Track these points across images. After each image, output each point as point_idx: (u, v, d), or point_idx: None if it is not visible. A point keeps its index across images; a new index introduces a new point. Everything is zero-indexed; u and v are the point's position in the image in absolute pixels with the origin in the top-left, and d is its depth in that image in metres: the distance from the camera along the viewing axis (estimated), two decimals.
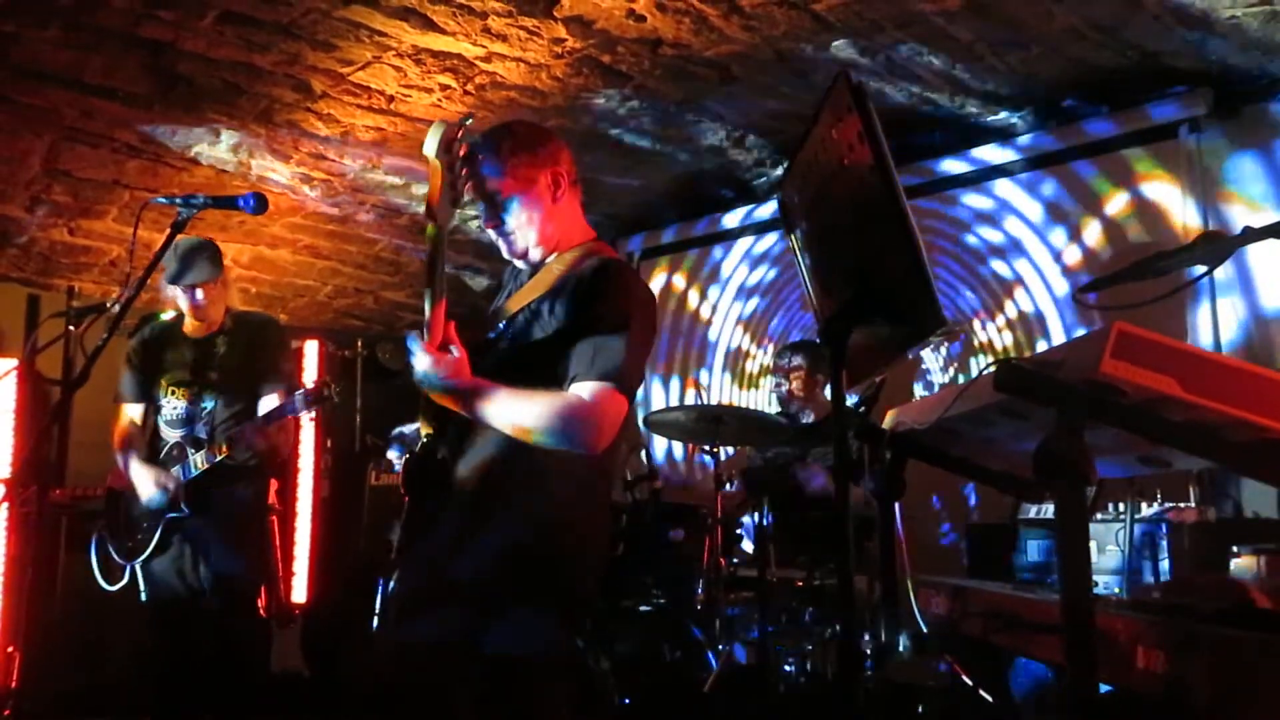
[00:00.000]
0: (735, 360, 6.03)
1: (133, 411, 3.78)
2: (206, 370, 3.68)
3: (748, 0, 3.84)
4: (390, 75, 4.32)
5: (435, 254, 2.07)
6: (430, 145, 2.05)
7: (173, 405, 3.68)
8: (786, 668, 3.85)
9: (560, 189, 2.26)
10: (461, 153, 2.09)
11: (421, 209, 5.64)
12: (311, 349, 6.10)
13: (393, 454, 2.40)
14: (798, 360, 4.50)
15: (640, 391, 2.36)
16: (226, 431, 3.58)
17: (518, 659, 2.09)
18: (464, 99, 4.49)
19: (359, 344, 6.18)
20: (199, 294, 3.63)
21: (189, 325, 3.74)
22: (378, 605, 4.60)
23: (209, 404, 3.66)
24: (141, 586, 3.64)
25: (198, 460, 3.54)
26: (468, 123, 2.08)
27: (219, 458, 3.51)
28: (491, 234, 2.29)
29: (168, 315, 3.93)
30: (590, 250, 2.28)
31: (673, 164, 5.48)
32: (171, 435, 3.66)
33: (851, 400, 3.09)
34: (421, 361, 2.07)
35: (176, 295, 3.67)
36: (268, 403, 3.66)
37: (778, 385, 4.59)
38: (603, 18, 3.94)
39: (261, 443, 3.55)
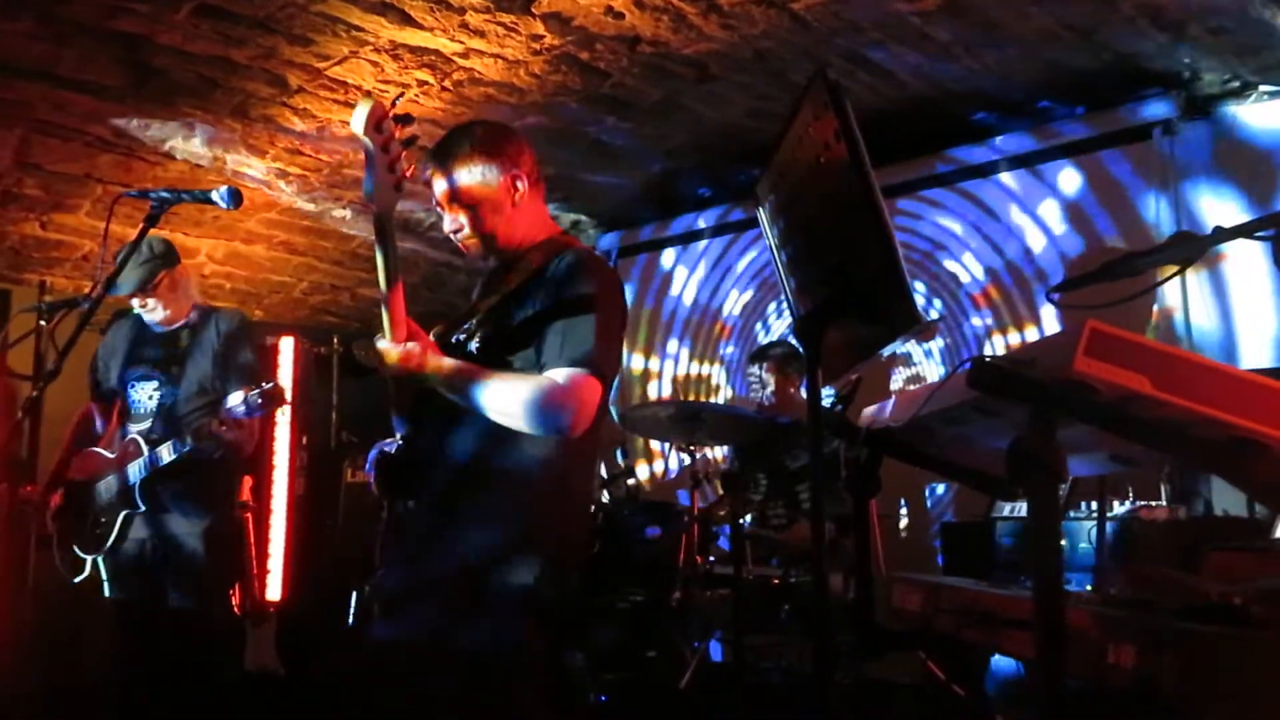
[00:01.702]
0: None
1: (95, 410, 3.77)
2: (170, 365, 3.64)
3: None
4: (367, 70, 4.30)
5: (382, 239, 1.99)
6: (358, 123, 1.89)
7: (136, 399, 3.65)
8: (762, 665, 3.87)
9: (520, 190, 2.26)
10: (396, 133, 1.95)
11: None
12: (287, 345, 6.05)
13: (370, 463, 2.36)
14: (769, 364, 4.51)
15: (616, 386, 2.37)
16: (190, 426, 3.54)
17: (491, 657, 2.09)
18: (441, 95, 4.47)
19: (335, 341, 6.14)
20: (140, 301, 3.61)
21: (150, 320, 3.72)
22: (353, 604, 4.58)
23: (172, 398, 3.63)
24: (105, 580, 3.61)
25: (160, 453, 3.50)
26: (399, 100, 2.04)
27: (178, 454, 3.46)
28: (454, 238, 2.29)
29: (134, 309, 3.89)
30: (554, 244, 2.29)
31: (650, 161, 5.49)
32: (134, 428, 3.63)
33: (828, 397, 3.10)
34: (390, 358, 2.07)
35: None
36: (235, 398, 3.62)
37: (750, 391, 4.60)
38: (581, 14, 3.93)
39: (227, 434, 3.46)
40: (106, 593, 3.62)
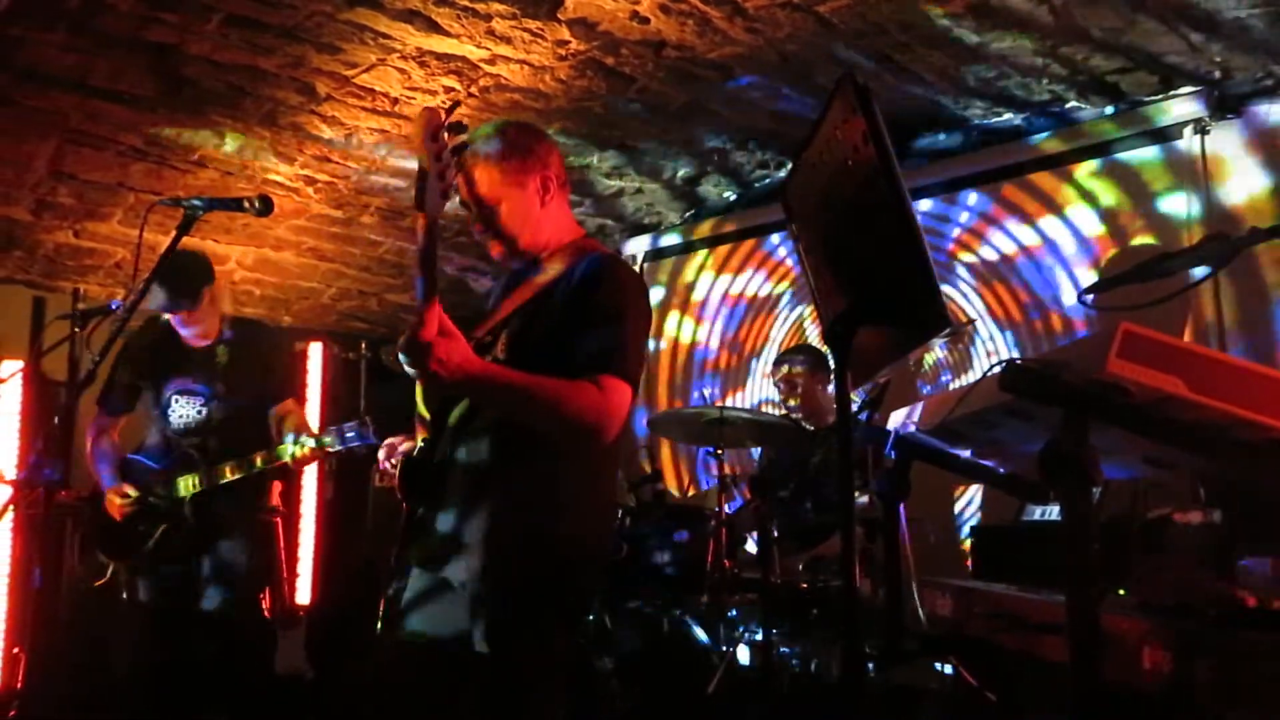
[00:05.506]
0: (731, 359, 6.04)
1: (110, 424, 3.83)
2: (212, 381, 3.71)
3: (752, 3, 3.84)
4: (394, 78, 4.33)
5: (427, 245, 1.99)
6: (416, 134, 1.97)
7: (179, 414, 3.71)
8: (790, 669, 3.85)
9: (549, 193, 2.26)
10: (449, 142, 1.99)
11: None
12: (315, 351, 6.11)
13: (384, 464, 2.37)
14: (797, 366, 4.50)
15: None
16: (234, 439, 3.62)
17: (515, 661, 2.09)
18: (468, 101, 4.49)
19: (363, 346, 6.18)
20: (179, 317, 3.67)
21: (185, 333, 3.77)
22: (381, 607, 4.60)
23: (217, 414, 3.70)
24: (139, 588, 3.67)
25: (203, 471, 3.58)
26: (455, 110, 2.05)
27: (233, 475, 3.55)
28: (479, 237, 2.29)
29: (161, 319, 3.96)
30: (580, 248, 2.29)
31: (676, 165, 5.49)
32: (181, 443, 3.70)
33: (856, 401, 3.09)
34: (420, 350, 1.92)
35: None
36: (276, 410, 3.76)
37: (779, 392, 4.59)
38: (606, 20, 3.94)
39: (305, 464, 3.64)
40: (134, 596, 3.68)
